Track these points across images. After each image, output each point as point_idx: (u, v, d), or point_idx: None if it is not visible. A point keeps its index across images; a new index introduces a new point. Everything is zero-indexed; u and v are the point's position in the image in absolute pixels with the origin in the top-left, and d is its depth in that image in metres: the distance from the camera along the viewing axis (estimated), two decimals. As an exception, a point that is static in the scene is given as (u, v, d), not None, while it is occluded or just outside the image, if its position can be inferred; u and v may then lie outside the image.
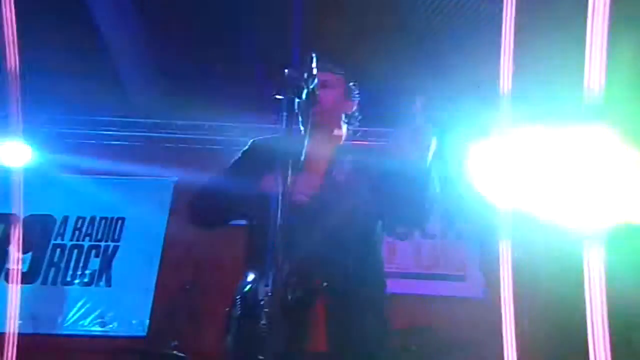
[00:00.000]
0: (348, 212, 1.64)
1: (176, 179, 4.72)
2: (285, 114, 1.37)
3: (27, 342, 4.05)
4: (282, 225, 1.24)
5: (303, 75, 1.40)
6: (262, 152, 1.75)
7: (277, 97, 1.39)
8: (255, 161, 1.72)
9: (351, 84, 1.90)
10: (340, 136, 1.87)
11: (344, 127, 1.89)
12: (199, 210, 1.80)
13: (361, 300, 1.61)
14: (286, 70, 1.40)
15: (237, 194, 1.68)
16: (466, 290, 4.59)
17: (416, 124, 1.60)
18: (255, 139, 1.85)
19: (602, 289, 1.78)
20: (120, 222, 4.73)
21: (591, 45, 1.86)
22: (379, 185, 1.69)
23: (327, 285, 1.53)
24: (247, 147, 1.85)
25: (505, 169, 3.35)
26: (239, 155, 1.85)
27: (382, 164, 1.68)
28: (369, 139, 4.25)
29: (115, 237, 4.68)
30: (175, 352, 3.26)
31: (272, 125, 1.39)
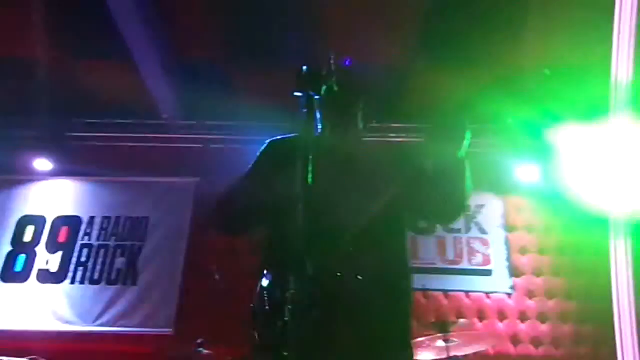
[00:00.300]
0: (370, 206, 1.63)
1: (198, 178, 4.77)
2: (305, 110, 1.37)
3: (55, 339, 4.15)
4: (304, 220, 1.24)
5: (322, 71, 1.41)
6: (280, 151, 1.75)
7: (297, 94, 1.40)
8: (274, 161, 1.72)
9: (369, 79, 1.90)
10: (359, 131, 1.87)
11: (361, 122, 1.88)
12: (223, 218, 1.79)
13: (387, 293, 1.60)
14: (304, 67, 1.40)
15: (259, 198, 1.68)
16: (492, 284, 4.56)
17: (452, 119, 1.60)
18: (272, 138, 1.85)
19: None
20: (144, 221, 4.79)
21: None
22: (414, 181, 1.69)
23: (355, 279, 1.52)
24: (264, 147, 1.85)
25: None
26: (257, 156, 1.84)
27: (417, 159, 1.69)
28: (387, 134, 4.24)
29: (140, 236, 4.75)
30: (200, 349, 3.29)
31: (292, 123, 1.38)
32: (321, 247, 1.40)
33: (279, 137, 1.84)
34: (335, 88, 1.50)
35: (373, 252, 1.60)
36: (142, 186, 4.89)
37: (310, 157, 1.34)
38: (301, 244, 1.24)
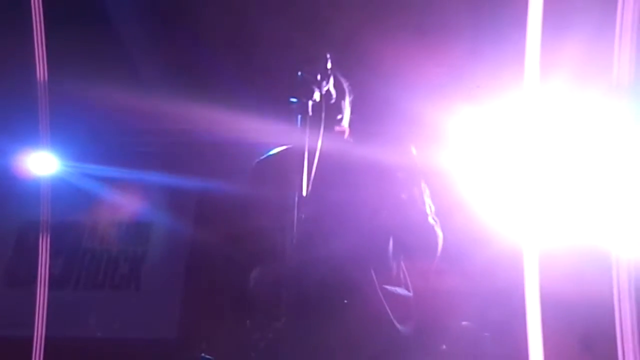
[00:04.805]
0: (359, 211, 1.63)
1: (199, 183, 4.76)
2: (299, 116, 1.37)
3: (57, 345, 4.15)
4: (295, 228, 1.24)
5: (316, 76, 1.40)
6: (267, 172, 1.74)
7: (291, 100, 1.39)
8: (263, 184, 1.71)
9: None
10: (344, 131, 1.87)
11: (345, 123, 1.88)
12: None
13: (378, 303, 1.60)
14: (299, 73, 1.39)
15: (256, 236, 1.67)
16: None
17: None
18: (256, 160, 1.84)
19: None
20: (147, 227, 4.80)
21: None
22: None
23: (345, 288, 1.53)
24: (251, 173, 1.84)
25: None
26: (246, 185, 1.83)
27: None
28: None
29: (143, 241, 4.76)
30: (203, 354, 3.29)
31: (290, 127, 1.38)
32: (309, 256, 1.40)
33: (262, 157, 1.82)
34: (333, 92, 1.50)
35: (362, 260, 1.60)
36: (144, 191, 4.89)
37: (305, 168, 1.33)
38: (291, 253, 1.24)
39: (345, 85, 1.87)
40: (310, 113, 1.42)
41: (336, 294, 1.63)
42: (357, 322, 1.63)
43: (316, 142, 1.43)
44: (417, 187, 1.79)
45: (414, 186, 1.78)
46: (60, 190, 4.88)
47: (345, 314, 1.63)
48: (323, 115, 1.41)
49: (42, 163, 4.60)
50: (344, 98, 1.83)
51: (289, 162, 1.35)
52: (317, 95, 1.42)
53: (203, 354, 3.26)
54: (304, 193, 1.29)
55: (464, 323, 3.63)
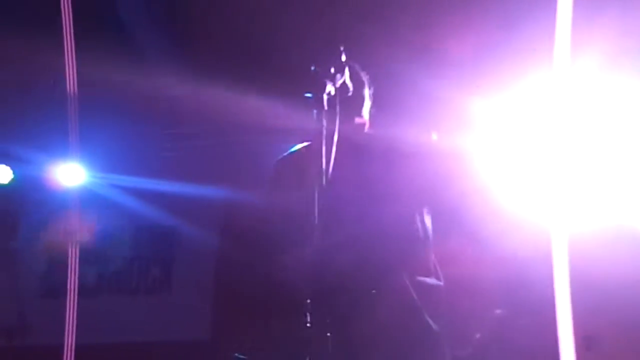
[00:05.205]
0: (382, 200, 1.62)
1: (225, 186, 4.80)
2: (315, 111, 1.36)
3: (94, 352, 4.23)
4: (317, 221, 1.24)
5: (330, 70, 1.39)
6: (288, 172, 1.74)
7: (306, 95, 1.38)
8: (285, 184, 1.71)
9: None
10: (364, 124, 1.85)
11: (366, 115, 1.86)
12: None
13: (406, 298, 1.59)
14: (312, 68, 1.38)
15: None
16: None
17: None
18: (278, 158, 1.84)
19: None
20: (176, 230, 4.87)
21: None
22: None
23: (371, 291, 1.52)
24: (273, 171, 1.83)
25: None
26: (269, 183, 1.82)
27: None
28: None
29: (173, 245, 4.82)
30: (236, 354, 3.32)
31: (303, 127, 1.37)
32: (330, 254, 1.39)
33: (283, 155, 1.81)
34: (349, 84, 1.48)
35: (384, 258, 1.58)
36: (172, 196, 4.95)
37: (324, 161, 1.33)
38: (314, 252, 1.24)
39: (365, 77, 1.85)
40: (326, 107, 1.41)
41: (363, 284, 1.62)
42: (386, 313, 1.61)
43: (333, 135, 1.42)
44: (440, 171, 1.75)
45: (436, 171, 1.74)
46: (89, 200, 4.99)
47: (374, 305, 1.61)
48: (338, 108, 1.39)
49: (71, 174, 4.70)
50: (362, 90, 1.81)
51: (309, 158, 1.35)
52: (331, 89, 1.40)
53: (236, 354, 3.29)
54: (323, 186, 1.29)
55: (497, 311, 3.58)
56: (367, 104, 1.85)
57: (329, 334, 1.29)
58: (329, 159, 1.30)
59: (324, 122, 1.36)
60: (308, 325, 1.25)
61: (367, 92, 1.85)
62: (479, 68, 3.22)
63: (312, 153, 1.35)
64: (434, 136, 1.86)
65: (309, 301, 1.28)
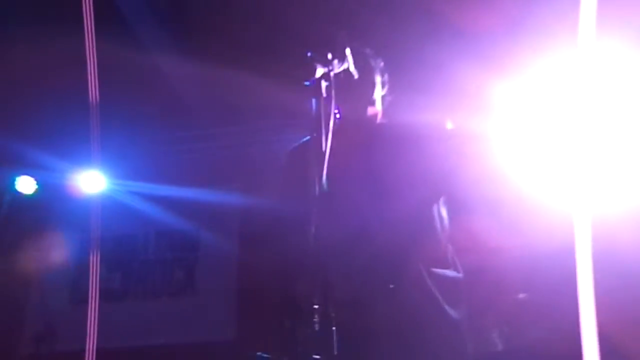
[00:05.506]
0: (397, 189, 1.58)
1: (242, 185, 4.82)
2: (314, 99, 1.32)
3: (120, 355, 4.28)
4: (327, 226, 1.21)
5: (327, 56, 1.34)
6: (299, 161, 1.71)
7: (305, 83, 1.34)
8: (296, 174, 1.67)
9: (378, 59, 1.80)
10: (376, 114, 1.80)
11: (378, 104, 1.80)
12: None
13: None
14: (309, 54, 1.33)
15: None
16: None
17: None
18: (289, 148, 1.80)
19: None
20: (197, 232, 4.90)
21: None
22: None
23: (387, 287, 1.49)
24: (284, 161, 1.82)
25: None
26: (280, 175, 1.80)
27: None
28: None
29: (195, 247, 4.86)
30: (259, 353, 3.32)
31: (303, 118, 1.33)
32: (341, 254, 1.36)
33: (295, 145, 1.78)
34: (353, 69, 1.43)
35: (397, 253, 1.54)
36: (192, 199, 4.98)
37: (325, 158, 1.29)
38: (324, 252, 1.21)
39: (376, 62, 1.79)
40: (325, 94, 1.36)
41: (381, 279, 1.59)
42: (405, 308, 1.58)
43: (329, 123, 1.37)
44: (458, 157, 1.70)
45: (454, 157, 1.69)
46: (112, 207, 5.06)
47: (392, 300, 1.58)
48: (333, 94, 1.33)
49: (93, 181, 4.77)
50: (371, 76, 1.75)
51: (310, 149, 1.32)
52: (329, 75, 1.35)
53: (259, 353, 3.29)
54: (321, 178, 1.25)
55: (520, 295, 3.52)
56: (379, 91, 1.79)
57: (346, 331, 1.27)
58: (325, 150, 1.26)
59: (322, 110, 1.32)
60: (322, 323, 1.22)
61: (378, 79, 1.79)
62: (499, 46, 3.12)
63: (314, 144, 1.32)
64: (449, 123, 1.81)
65: (322, 299, 1.25)
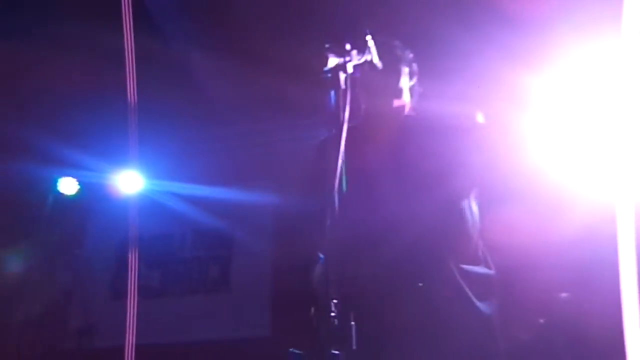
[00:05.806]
0: (425, 185, 1.54)
1: (275, 182, 4.83)
2: (332, 91, 1.29)
3: (158, 351, 4.36)
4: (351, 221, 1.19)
5: (345, 47, 1.30)
6: (323, 156, 1.68)
7: (325, 74, 1.31)
8: (321, 169, 1.65)
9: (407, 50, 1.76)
10: (403, 106, 1.76)
11: (406, 96, 1.76)
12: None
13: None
14: (327, 45, 1.30)
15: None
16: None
17: None
18: (315, 141, 1.79)
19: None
20: (231, 230, 4.95)
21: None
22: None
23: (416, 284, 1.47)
24: (310, 156, 1.80)
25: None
26: (308, 169, 1.78)
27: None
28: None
29: (230, 244, 4.91)
30: (291, 349, 3.33)
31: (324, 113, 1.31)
32: (364, 250, 1.34)
33: (320, 139, 1.76)
34: (376, 61, 1.39)
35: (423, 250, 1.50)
36: (225, 197, 5.03)
37: (343, 155, 1.26)
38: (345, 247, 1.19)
39: (403, 53, 1.74)
40: (344, 86, 1.30)
41: (410, 277, 1.56)
42: (434, 306, 1.55)
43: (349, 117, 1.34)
44: (488, 150, 1.65)
45: (484, 149, 1.64)
46: (150, 206, 5.15)
47: (422, 298, 1.55)
48: (349, 85, 1.25)
49: (131, 182, 4.86)
50: (398, 67, 1.70)
51: (331, 143, 1.30)
52: (349, 68, 1.32)
53: (292, 349, 3.30)
54: (339, 173, 1.23)
55: (563, 295, 3.41)
56: (406, 82, 1.75)
57: (368, 327, 1.25)
58: (344, 143, 1.24)
59: (341, 103, 1.29)
60: (341, 318, 1.21)
61: (406, 70, 1.75)
62: (535, 35, 3.02)
63: (333, 139, 1.29)
64: (480, 114, 1.75)
65: (340, 294, 1.24)
